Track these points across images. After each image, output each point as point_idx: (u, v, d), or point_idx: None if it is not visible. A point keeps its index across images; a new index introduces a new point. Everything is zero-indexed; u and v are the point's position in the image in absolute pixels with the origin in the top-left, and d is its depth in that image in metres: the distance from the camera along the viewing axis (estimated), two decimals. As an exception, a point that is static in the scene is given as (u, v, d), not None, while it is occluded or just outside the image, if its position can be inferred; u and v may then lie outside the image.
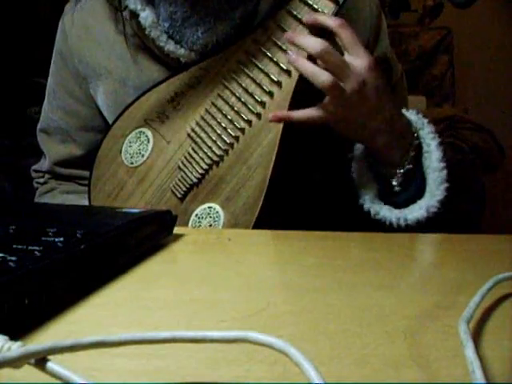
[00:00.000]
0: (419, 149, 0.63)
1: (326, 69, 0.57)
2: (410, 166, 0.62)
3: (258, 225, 0.61)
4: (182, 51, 0.65)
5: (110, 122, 0.72)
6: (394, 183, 0.63)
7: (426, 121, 0.63)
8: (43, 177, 0.85)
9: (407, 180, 0.62)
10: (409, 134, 0.62)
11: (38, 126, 0.84)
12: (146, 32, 0.66)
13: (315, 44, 0.56)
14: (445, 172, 0.61)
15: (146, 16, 0.65)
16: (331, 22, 0.57)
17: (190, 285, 0.39)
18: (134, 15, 0.67)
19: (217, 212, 0.63)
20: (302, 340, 0.29)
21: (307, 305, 0.34)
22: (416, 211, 0.61)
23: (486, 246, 0.50)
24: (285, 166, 0.61)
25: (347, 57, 0.57)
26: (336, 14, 0.58)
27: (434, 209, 0.61)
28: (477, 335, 0.29)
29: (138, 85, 0.70)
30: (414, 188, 0.63)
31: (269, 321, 0.32)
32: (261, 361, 0.26)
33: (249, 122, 0.62)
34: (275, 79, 0.61)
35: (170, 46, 0.65)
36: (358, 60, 0.57)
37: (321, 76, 0.56)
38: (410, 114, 0.64)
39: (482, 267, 0.42)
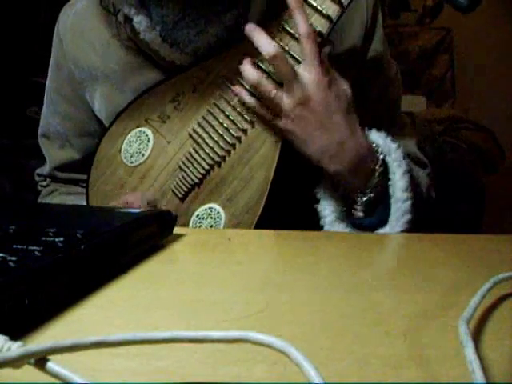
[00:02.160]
0: (385, 174, 0.60)
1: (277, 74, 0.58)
2: (372, 194, 0.60)
3: (260, 225, 0.61)
4: (176, 54, 0.65)
5: (107, 125, 0.72)
6: (357, 209, 0.61)
7: (393, 146, 0.60)
8: (45, 180, 0.85)
9: (372, 205, 0.61)
10: (369, 161, 0.60)
11: (39, 131, 0.84)
12: (141, 36, 0.65)
13: (269, 46, 0.56)
14: (408, 203, 0.59)
15: (140, 20, 0.65)
16: (300, 28, 0.56)
17: (189, 285, 0.39)
18: (128, 19, 0.66)
19: (218, 212, 0.63)
20: (302, 340, 0.29)
21: (307, 305, 0.34)
22: None
23: (486, 246, 0.50)
24: (287, 167, 0.61)
25: (301, 68, 0.57)
26: (340, 16, 0.58)
27: None
28: (477, 335, 0.29)
29: (134, 88, 0.70)
30: (379, 214, 0.61)
31: (269, 321, 0.32)
32: (261, 361, 0.26)
33: (251, 123, 0.62)
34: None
35: (165, 50, 0.65)
36: (309, 74, 0.56)
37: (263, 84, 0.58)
38: (378, 138, 0.61)
39: (482, 267, 0.42)
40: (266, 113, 0.60)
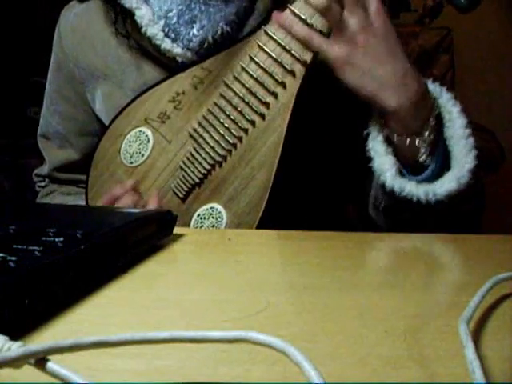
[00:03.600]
0: (439, 119, 0.58)
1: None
2: (431, 136, 0.57)
3: (261, 225, 0.60)
4: (178, 50, 0.65)
5: (107, 125, 0.72)
6: (422, 159, 0.57)
7: (443, 88, 0.59)
8: (44, 181, 0.85)
9: (429, 154, 0.58)
10: (428, 99, 0.57)
11: (38, 131, 0.84)
12: (142, 31, 0.65)
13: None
14: (471, 139, 0.56)
15: (143, 14, 0.65)
16: None
17: (190, 285, 0.39)
18: (130, 14, 0.66)
19: (219, 212, 0.63)
20: (302, 340, 0.29)
21: (307, 305, 0.34)
22: (445, 184, 0.55)
23: (486, 246, 0.50)
24: (288, 166, 0.61)
25: None
26: None
27: (465, 179, 0.55)
28: (477, 335, 0.29)
29: (135, 87, 0.70)
30: (437, 164, 0.58)
31: (269, 321, 0.32)
32: (261, 361, 0.26)
33: (252, 123, 0.62)
34: (279, 80, 0.61)
35: (167, 45, 0.65)
36: (372, 2, 0.55)
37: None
38: (426, 82, 0.59)
39: (482, 267, 0.42)
40: (325, 45, 0.57)
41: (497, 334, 0.29)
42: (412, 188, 0.56)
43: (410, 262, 0.47)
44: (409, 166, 0.59)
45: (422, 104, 0.56)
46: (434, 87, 0.59)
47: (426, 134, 0.57)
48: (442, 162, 0.58)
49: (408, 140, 0.57)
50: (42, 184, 0.86)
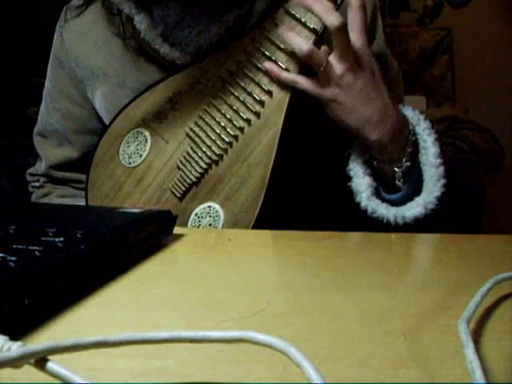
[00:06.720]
0: (416, 145, 0.63)
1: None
2: (408, 163, 0.62)
3: (258, 224, 0.61)
4: (176, 54, 0.65)
5: (108, 124, 0.72)
6: (398, 183, 0.63)
7: (422, 117, 0.63)
8: (38, 180, 0.85)
9: (405, 177, 0.63)
10: (405, 129, 0.62)
11: (35, 130, 0.84)
12: (141, 35, 0.66)
13: (336, 19, 0.56)
14: (442, 168, 0.61)
15: (141, 20, 0.65)
16: (352, 3, 0.58)
17: (190, 285, 0.39)
18: (130, 18, 0.67)
19: (216, 211, 0.63)
20: (302, 340, 0.29)
21: (307, 305, 0.34)
22: (413, 208, 0.61)
23: (486, 246, 0.50)
24: (284, 164, 0.61)
25: (351, 35, 0.58)
26: None
27: (432, 205, 0.60)
28: (477, 335, 0.29)
29: (136, 86, 0.70)
30: (411, 185, 0.63)
31: (269, 321, 0.32)
32: (261, 361, 0.26)
33: (248, 121, 0.62)
34: (274, 78, 0.61)
35: (165, 49, 0.65)
36: (359, 41, 0.58)
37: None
38: (406, 110, 0.64)
39: (482, 267, 0.42)
40: (311, 85, 0.60)
41: (497, 334, 0.29)
42: (383, 211, 0.62)
43: (409, 261, 0.47)
44: (387, 185, 0.64)
45: (399, 136, 0.61)
46: (412, 115, 0.64)
47: (404, 160, 0.62)
48: (416, 185, 0.63)
49: (386, 167, 0.63)
50: (37, 184, 0.85)
